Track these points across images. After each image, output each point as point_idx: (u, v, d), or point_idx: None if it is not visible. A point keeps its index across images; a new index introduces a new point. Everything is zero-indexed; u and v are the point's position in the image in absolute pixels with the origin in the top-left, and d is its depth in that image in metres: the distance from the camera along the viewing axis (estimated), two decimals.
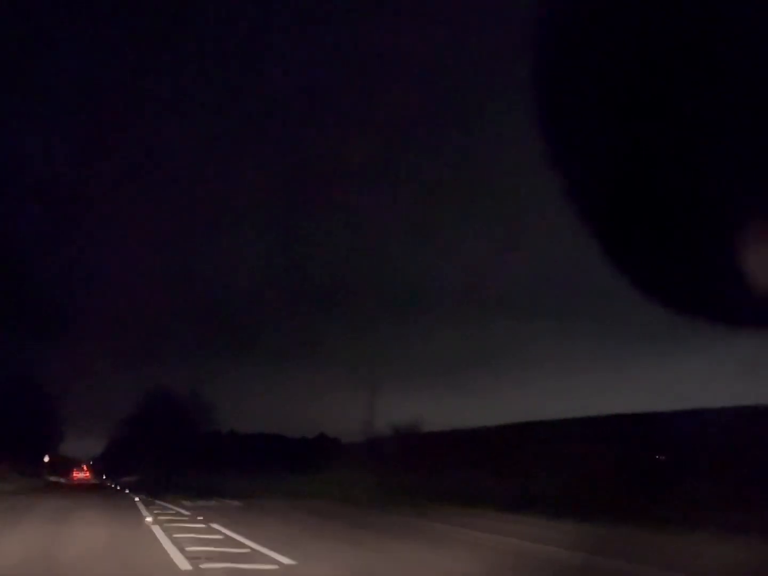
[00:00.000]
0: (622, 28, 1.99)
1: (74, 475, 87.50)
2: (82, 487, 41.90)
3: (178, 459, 48.84)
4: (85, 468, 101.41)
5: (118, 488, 36.59)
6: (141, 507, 19.35)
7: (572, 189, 2.22)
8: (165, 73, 60.09)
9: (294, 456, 39.73)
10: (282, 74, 59.17)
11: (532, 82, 2.16)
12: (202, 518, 15.04)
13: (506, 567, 8.27)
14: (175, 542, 10.35)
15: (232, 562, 8.39)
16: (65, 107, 50.38)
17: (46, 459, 50.04)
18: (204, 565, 8.14)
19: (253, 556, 8.98)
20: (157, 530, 12.32)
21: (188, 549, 9.52)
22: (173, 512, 17.32)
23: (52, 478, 73.49)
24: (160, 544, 10.33)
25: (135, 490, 30.17)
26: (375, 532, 12.47)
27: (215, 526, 13.17)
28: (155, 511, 17.28)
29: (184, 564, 8.26)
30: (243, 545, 10.17)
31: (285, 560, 8.56)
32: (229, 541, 10.71)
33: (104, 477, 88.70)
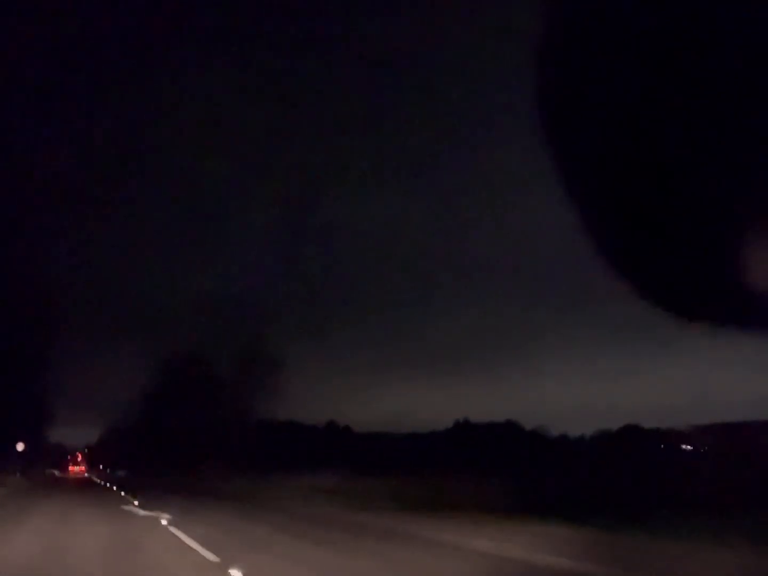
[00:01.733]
0: (626, 28, 1.89)
1: (70, 468, 77.38)
2: (72, 497, 28.31)
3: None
4: (80, 457, 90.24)
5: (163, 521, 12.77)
6: None
7: (572, 189, 2.03)
8: (170, 72, 58.47)
9: None
10: (287, 75, 59.18)
11: (534, 82, 2.00)
12: None
13: None
14: None
15: None
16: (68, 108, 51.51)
17: (21, 447, 36.07)
18: None
19: None
20: None
21: None
22: None
23: (47, 471, 61.95)
24: None
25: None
26: None
27: None
28: None
29: None
30: None
31: None
32: None
33: (101, 468, 78.25)
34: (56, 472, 70.05)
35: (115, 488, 29.86)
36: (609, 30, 1.86)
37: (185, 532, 10.30)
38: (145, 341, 54.47)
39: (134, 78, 55.69)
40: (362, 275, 69.83)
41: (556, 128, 1.99)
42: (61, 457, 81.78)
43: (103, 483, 39.04)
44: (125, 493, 23.88)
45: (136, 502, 17.97)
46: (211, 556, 7.93)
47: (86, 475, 69.90)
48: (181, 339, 47.61)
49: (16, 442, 36.39)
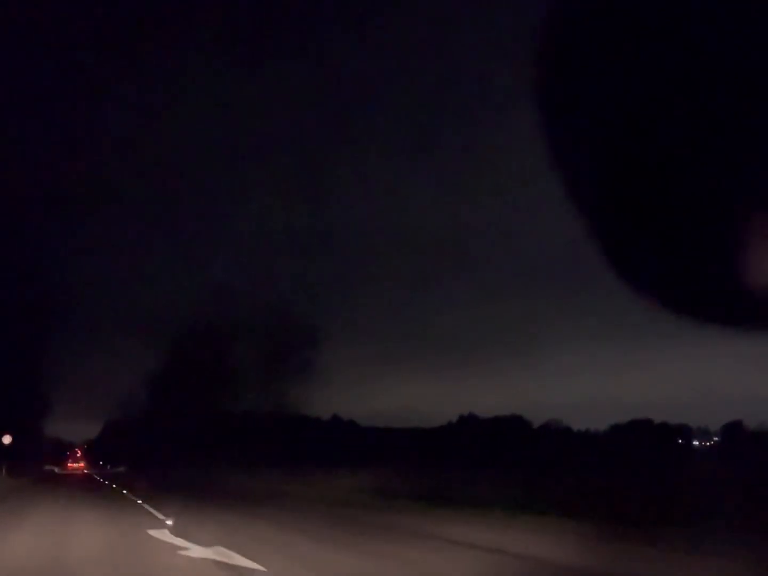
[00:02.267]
0: (625, 28, 1.92)
1: (69, 465, 72.28)
2: (70, 511, 22.19)
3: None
4: (79, 453, 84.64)
5: None
6: None
7: (572, 188, 2.07)
8: (172, 72, 60.81)
9: None
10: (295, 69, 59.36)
11: (534, 81, 2.03)
12: None
13: None
14: None
15: None
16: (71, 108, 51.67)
17: (7, 440, 29.63)
18: None
19: None
20: None
21: None
22: None
23: (45, 467, 56.55)
24: None
25: None
26: None
27: None
28: None
29: None
30: None
31: None
32: None
33: (101, 464, 73.03)
34: (55, 469, 64.58)
35: (125, 491, 23.75)
36: (609, 30, 1.83)
37: None
38: (147, 335, 51.12)
39: (134, 78, 56.69)
40: (367, 269, 68.93)
41: (556, 128, 1.96)
42: (60, 452, 75.90)
43: (108, 483, 32.88)
44: (143, 501, 17.73)
45: (169, 522, 11.81)
46: None
47: (86, 472, 64.12)
48: (183, 333, 42.10)
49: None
